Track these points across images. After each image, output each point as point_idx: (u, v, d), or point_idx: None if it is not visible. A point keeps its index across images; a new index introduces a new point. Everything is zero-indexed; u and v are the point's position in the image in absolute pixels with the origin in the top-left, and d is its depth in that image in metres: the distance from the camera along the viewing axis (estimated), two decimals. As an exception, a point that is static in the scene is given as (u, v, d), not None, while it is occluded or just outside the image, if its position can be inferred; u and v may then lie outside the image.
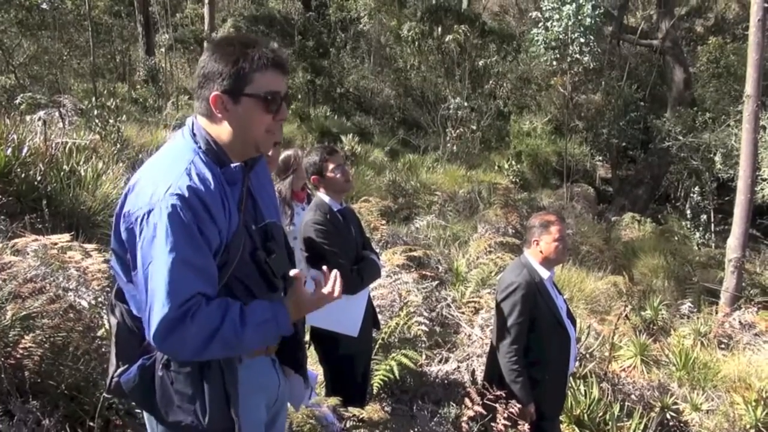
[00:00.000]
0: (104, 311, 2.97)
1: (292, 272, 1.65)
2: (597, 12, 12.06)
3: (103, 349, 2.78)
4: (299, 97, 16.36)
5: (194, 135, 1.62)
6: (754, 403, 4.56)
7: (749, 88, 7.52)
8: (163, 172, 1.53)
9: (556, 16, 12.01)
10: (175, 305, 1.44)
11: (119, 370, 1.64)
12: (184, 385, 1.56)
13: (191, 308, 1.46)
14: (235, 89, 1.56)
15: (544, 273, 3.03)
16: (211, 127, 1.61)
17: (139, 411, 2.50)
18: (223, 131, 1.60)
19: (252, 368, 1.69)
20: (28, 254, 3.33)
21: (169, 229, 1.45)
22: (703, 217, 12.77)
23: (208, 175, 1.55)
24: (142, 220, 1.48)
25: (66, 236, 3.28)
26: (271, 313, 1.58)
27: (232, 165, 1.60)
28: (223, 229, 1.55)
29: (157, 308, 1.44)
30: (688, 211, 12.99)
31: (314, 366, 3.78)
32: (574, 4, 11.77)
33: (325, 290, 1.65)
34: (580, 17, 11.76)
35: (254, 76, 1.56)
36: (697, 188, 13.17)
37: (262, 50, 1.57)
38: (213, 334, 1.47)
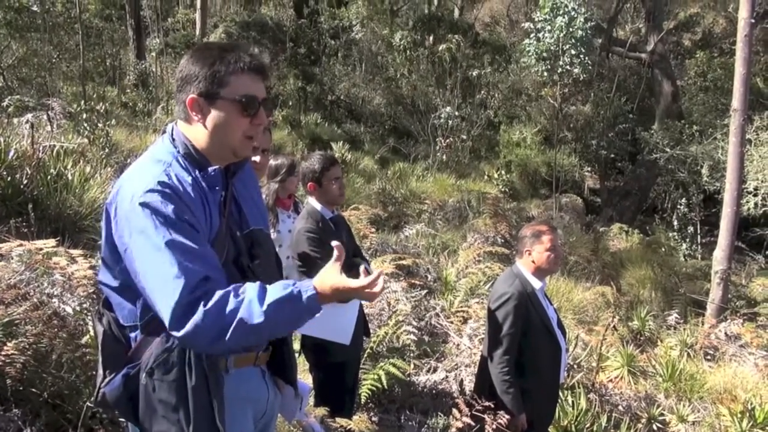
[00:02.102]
0: (89, 318, 2.93)
1: (334, 243, 1.56)
2: (589, 24, 12.16)
3: (87, 357, 2.74)
4: (290, 103, 16.34)
5: (173, 140, 1.62)
6: (739, 415, 4.58)
7: (736, 102, 7.60)
8: (142, 176, 1.53)
9: (548, 28, 12.09)
10: (185, 292, 1.41)
11: (105, 381, 1.61)
12: (167, 393, 1.53)
13: (205, 293, 1.42)
14: (210, 92, 1.56)
15: (536, 283, 3.02)
16: (189, 130, 1.61)
17: (123, 420, 2.46)
18: (200, 134, 1.60)
19: (240, 379, 1.66)
20: (12, 259, 3.29)
21: (155, 222, 1.44)
22: (690, 228, 12.88)
23: (187, 178, 1.55)
24: (129, 224, 1.48)
25: (51, 241, 3.23)
26: (296, 288, 1.48)
27: (211, 168, 1.59)
28: (204, 231, 1.53)
29: (167, 299, 1.41)
30: (675, 223, 13.09)
31: (303, 374, 3.76)
32: (566, 17, 11.87)
33: (376, 288, 1.51)
34: (571, 29, 11.85)
35: (230, 79, 1.56)
36: (684, 200, 13.28)
37: (240, 54, 1.58)
38: (231, 320, 1.42)
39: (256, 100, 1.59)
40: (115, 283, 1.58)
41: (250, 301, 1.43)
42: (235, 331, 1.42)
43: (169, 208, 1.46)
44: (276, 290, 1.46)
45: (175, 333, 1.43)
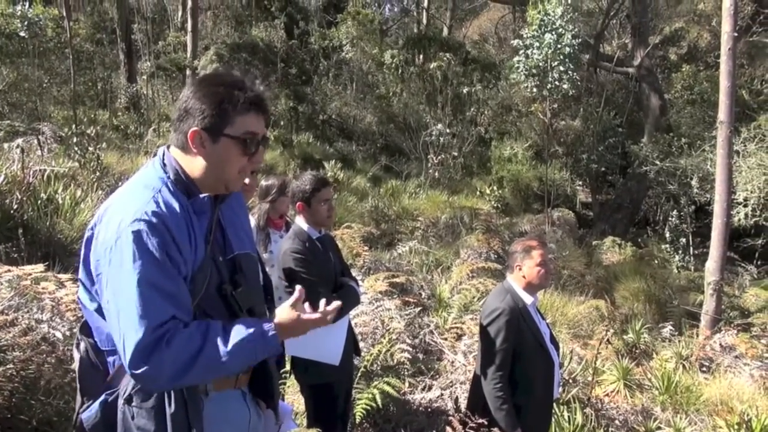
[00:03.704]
0: (76, 344, 2.91)
1: (297, 287, 1.63)
2: (576, 41, 12.32)
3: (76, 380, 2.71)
4: (282, 123, 16.42)
5: (164, 165, 1.61)
6: (736, 426, 4.56)
7: (722, 114, 7.69)
8: (131, 201, 1.52)
9: (537, 44, 12.25)
10: (149, 330, 1.40)
11: (83, 408, 1.59)
12: (146, 420, 1.51)
13: (167, 332, 1.42)
14: (215, 128, 1.56)
15: (528, 298, 3.02)
16: (184, 159, 1.61)
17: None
18: (196, 166, 1.60)
19: (219, 402, 1.65)
20: (1, 285, 3.26)
21: (136, 254, 1.44)
22: (682, 240, 12.93)
23: (175, 205, 1.54)
24: (110, 250, 1.47)
25: (40, 266, 3.22)
26: (259, 329, 1.52)
27: (201, 195, 1.59)
28: (189, 260, 1.53)
29: (130, 335, 1.41)
30: (668, 235, 13.14)
31: (295, 396, 3.73)
32: (554, 33, 12.03)
33: (316, 314, 1.60)
34: (559, 46, 12.01)
35: (236, 119, 1.57)
36: (675, 212, 13.35)
37: (247, 92, 1.58)
38: (195, 357, 1.42)
39: (257, 139, 1.60)
40: (93, 306, 1.57)
41: (214, 341, 1.45)
42: (197, 369, 1.44)
43: (153, 241, 1.45)
44: (240, 330, 1.50)
45: (133, 371, 1.42)
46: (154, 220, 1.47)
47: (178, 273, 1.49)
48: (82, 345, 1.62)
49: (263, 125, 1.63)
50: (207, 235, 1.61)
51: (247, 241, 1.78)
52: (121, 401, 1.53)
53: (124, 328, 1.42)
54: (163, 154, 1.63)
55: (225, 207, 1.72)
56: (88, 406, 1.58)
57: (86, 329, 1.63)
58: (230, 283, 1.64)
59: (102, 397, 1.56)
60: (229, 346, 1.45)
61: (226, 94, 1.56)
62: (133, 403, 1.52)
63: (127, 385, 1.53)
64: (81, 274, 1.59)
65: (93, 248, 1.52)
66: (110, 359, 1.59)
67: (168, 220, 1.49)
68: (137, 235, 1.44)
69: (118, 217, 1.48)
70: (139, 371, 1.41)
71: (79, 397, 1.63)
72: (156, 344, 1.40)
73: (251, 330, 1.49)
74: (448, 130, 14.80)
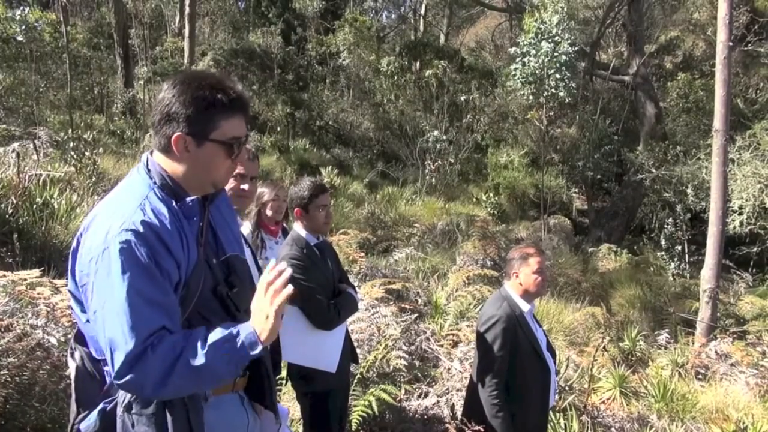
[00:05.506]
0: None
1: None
2: (572, 49, 12.39)
3: (71, 389, 2.69)
4: (278, 129, 16.42)
5: (149, 171, 1.60)
6: (732, 435, 4.57)
7: (717, 122, 7.74)
8: (118, 210, 1.51)
9: (533, 52, 12.31)
10: (139, 341, 1.39)
11: (79, 417, 1.58)
12: (147, 427, 1.50)
13: (154, 341, 1.41)
14: (200, 133, 1.55)
15: (525, 306, 3.02)
16: (167, 163, 1.60)
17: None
18: (180, 169, 1.59)
19: (219, 407, 1.64)
20: (-4, 290, 3.24)
21: (125, 265, 1.42)
22: (678, 247, 12.97)
23: (164, 210, 1.53)
24: (97, 260, 1.45)
25: (35, 272, 3.20)
26: (235, 328, 1.48)
27: (188, 199, 1.58)
28: (182, 263, 1.52)
29: (120, 345, 1.39)
30: (663, 242, 13.18)
31: (291, 403, 3.71)
32: (550, 41, 12.09)
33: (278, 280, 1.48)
34: (556, 54, 12.07)
35: (221, 123, 1.56)
36: (670, 220, 13.39)
37: (229, 94, 1.56)
38: (174, 362, 1.41)
39: (240, 141, 1.60)
40: (84, 317, 1.55)
41: (194, 345, 1.43)
42: (178, 373, 1.41)
43: (141, 251, 1.44)
44: (216, 332, 1.46)
45: (120, 381, 1.41)
46: (141, 229, 1.45)
47: (169, 282, 1.47)
48: (77, 354, 1.61)
49: (245, 126, 1.62)
50: (198, 237, 1.60)
51: (236, 243, 1.77)
52: (120, 409, 1.51)
53: (113, 338, 1.40)
54: (147, 160, 1.62)
55: (214, 209, 1.71)
56: (86, 416, 1.56)
57: (80, 338, 1.61)
58: (225, 285, 1.64)
59: (100, 406, 1.54)
60: (206, 347, 1.42)
61: (211, 98, 1.54)
62: (133, 411, 1.50)
63: (125, 393, 1.51)
64: (70, 285, 1.57)
65: (78, 258, 1.51)
66: (106, 368, 1.57)
67: (157, 228, 1.48)
68: (125, 246, 1.43)
69: (105, 227, 1.46)
70: (126, 380, 1.40)
71: (74, 407, 1.61)
72: (143, 353, 1.40)
73: (228, 331, 1.46)
74: (444, 137, 14.85)
